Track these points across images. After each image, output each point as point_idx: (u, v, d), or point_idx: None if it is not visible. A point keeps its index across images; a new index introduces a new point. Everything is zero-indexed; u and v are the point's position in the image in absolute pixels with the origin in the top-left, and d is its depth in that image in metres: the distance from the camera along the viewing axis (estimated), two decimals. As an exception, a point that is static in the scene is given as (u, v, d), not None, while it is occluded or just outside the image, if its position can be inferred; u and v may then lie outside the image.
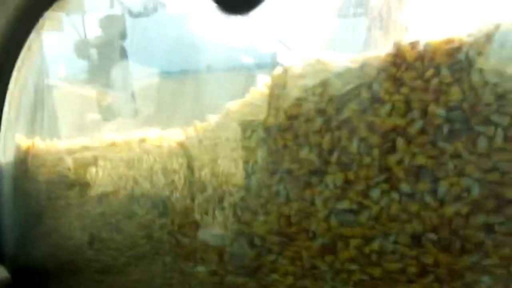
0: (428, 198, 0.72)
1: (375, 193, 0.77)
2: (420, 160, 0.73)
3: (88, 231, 1.22)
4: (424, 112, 0.72)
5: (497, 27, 0.67)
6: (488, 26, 0.68)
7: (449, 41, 0.70)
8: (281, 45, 2.66)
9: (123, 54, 2.60)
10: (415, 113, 0.73)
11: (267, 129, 0.87)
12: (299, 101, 0.83)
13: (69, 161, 1.28)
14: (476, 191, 0.69)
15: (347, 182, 0.80)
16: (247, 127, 0.91)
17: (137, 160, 1.13)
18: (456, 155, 0.70)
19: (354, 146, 0.78)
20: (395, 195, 0.76)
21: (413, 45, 0.73)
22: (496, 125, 0.67)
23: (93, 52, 2.59)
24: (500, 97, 0.66)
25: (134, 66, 2.64)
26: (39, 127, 1.87)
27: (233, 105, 0.95)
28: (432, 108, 0.71)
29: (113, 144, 1.19)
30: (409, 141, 0.74)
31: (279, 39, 2.64)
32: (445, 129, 0.70)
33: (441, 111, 0.70)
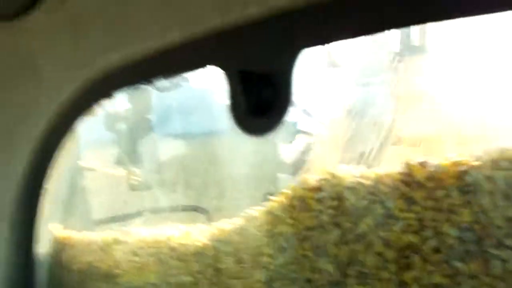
0: (447, 317, 0.73)
1: (394, 308, 0.78)
2: (437, 278, 0.74)
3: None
4: (437, 231, 0.73)
5: (503, 152, 0.69)
6: (494, 150, 0.70)
7: (457, 164, 0.73)
8: (302, 113, 2.73)
9: (150, 126, 2.72)
10: (429, 232, 0.74)
11: (286, 238, 0.90)
12: (316, 213, 0.86)
13: (101, 254, 1.34)
14: (494, 313, 0.69)
15: (366, 295, 0.81)
16: (267, 235, 0.94)
17: (164, 258, 1.17)
18: (472, 276, 0.71)
19: (371, 260, 0.80)
20: (414, 311, 0.76)
21: (423, 164, 0.75)
22: (509, 249, 0.68)
23: (122, 125, 2.72)
24: (511, 220, 0.68)
25: (160, 138, 2.76)
26: (73, 212, 1.96)
27: (254, 212, 0.98)
28: (445, 227, 0.73)
29: (143, 241, 1.24)
30: (424, 259, 0.75)
31: (300, 107, 2.71)
32: (459, 249, 0.71)
33: (453, 231, 0.72)
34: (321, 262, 0.85)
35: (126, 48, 0.67)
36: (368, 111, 1.70)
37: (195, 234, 1.14)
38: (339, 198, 0.83)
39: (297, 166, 2.37)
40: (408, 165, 0.76)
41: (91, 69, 0.76)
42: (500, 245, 0.68)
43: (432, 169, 0.74)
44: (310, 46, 0.54)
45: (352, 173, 0.83)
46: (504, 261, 0.68)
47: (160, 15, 0.63)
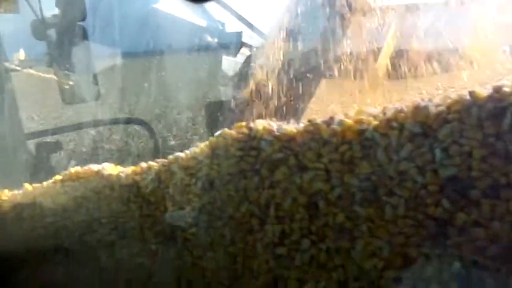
0: (349, 253, 0.90)
1: (306, 243, 0.95)
2: (341, 219, 0.90)
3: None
4: (342, 181, 0.89)
5: (395, 113, 0.82)
6: (389, 110, 0.84)
7: (359, 122, 0.86)
8: (245, 25, 2.76)
9: (83, 34, 2.66)
10: (335, 181, 0.89)
11: (210, 181, 1.04)
12: (237, 160, 0.99)
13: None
14: (386, 250, 0.87)
15: (283, 232, 0.97)
16: (192, 176, 1.08)
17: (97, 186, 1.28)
18: (369, 219, 0.87)
19: (287, 204, 0.95)
20: (322, 246, 0.94)
21: (327, 123, 0.88)
22: (399, 197, 0.84)
23: (52, 32, 2.64)
24: (400, 173, 0.83)
25: (95, 47, 2.72)
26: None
27: (182, 155, 1.10)
28: (347, 177, 0.88)
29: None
30: (330, 204, 0.91)
31: (243, 18, 2.73)
32: (358, 196, 0.87)
33: (354, 181, 0.87)
34: (243, 205, 1.00)
35: None
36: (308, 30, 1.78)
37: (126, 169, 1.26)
38: (257, 149, 0.96)
39: (239, 79, 2.46)
40: (314, 124, 0.89)
41: None
42: (392, 194, 0.84)
43: (336, 126, 0.87)
44: None
45: (268, 127, 0.96)
46: (394, 207, 0.84)
47: None
